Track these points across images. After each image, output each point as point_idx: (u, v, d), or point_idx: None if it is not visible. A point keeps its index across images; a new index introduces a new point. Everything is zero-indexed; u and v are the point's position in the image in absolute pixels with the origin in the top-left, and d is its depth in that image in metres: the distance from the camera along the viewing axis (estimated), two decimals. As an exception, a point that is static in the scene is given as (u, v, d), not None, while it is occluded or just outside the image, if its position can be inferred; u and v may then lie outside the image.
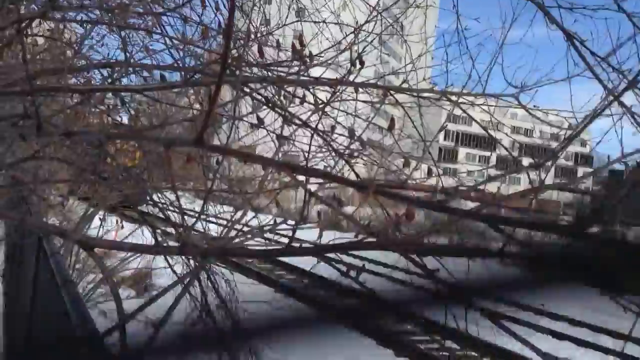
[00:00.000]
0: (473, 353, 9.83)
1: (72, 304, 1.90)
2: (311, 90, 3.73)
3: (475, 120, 3.34)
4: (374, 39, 3.73)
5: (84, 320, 1.71)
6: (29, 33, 3.54)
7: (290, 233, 3.74)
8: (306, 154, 4.34)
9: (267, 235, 4.99)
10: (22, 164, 3.41)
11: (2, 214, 2.11)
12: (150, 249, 1.33)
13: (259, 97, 3.80)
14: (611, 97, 1.83)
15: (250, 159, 1.57)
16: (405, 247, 1.02)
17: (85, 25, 4.18)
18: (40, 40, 4.35)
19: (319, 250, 1.04)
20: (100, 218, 7.90)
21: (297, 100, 3.73)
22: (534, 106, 3.68)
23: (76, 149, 3.22)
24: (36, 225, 1.68)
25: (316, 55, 3.40)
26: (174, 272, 3.68)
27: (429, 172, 3.50)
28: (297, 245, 1.14)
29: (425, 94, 3.09)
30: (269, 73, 3.75)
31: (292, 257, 0.97)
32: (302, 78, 2.74)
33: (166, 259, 3.96)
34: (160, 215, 3.67)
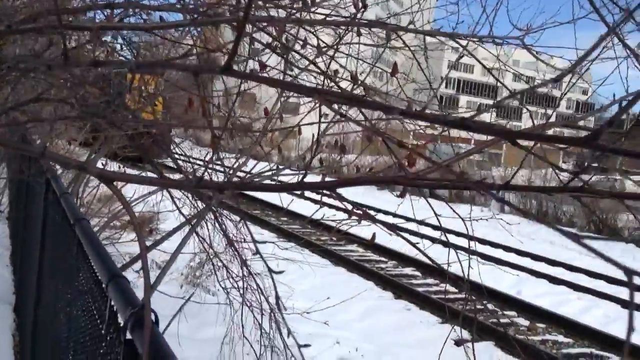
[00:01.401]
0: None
1: (87, 240, 1.96)
2: (314, 32, 3.71)
3: (481, 63, 3.33)
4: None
5: (103, 261, 1.77)
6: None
7: (292, 179, 3.79)
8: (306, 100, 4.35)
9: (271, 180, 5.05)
10: (26, 107, 3.43)
11: (21, 147, 2.14)
12: (170, 183, 1.36)
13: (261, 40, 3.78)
14: (613, 36, 1.83)
15: (279, 85, 1.59)
16: (409, 181, 1.06)
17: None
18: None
19: (332, 185, 1.07)
20: (102, 164, 7.95)
21: (299, 44, 3.71)
22: (537, 52, 3.66)
23: (79, 90, 3.23)
24: (55, 159, 1.71)
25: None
26: (182, 213, 3.76)
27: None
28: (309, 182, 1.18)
29: (433, 35, 3.06)
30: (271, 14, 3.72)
31: (306, 190, 1.00)
32: (312, 17, 2.73)
33: (174, 201, 4.03)
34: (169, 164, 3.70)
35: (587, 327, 8.83)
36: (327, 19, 2.88)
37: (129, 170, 8.22)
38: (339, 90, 2.37)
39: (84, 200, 8.63)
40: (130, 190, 7.55)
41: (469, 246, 2.63)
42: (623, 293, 11.04)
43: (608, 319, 9.65)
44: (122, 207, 8.14)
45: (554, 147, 1.90)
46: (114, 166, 8.46)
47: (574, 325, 8.97)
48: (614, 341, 8.35)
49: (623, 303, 10.41)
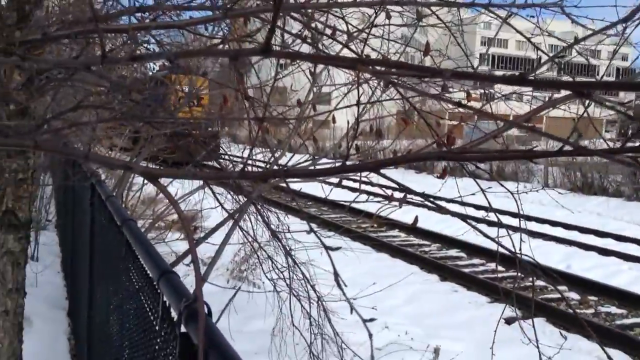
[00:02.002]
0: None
1: (135, 239, 2.00)
2: (343, 17, 3.68)
3: (520, 32, 3.24)
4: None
5: (153, 258, 1.80)
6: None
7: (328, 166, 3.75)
8: (339, 86, 4.32)
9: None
10: (66, 116, 3.51)
11: (66, 151, 2.19)
12: (213, 175, 1.38)
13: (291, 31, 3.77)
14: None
15: (319, 60, 1.58)
16: (454, 155, 1.04)
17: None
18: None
19: (375, 166, 1.06)
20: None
21: (329, 31, 3.69)
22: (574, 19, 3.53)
23: (117, 96, 3.29)
24: (100, 160, 1.75)
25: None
26: (224, 208, 3.81)
27: (468, 96, 3.45)
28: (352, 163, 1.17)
29: (467, 7, 2.99)
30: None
31: (349, 172, 0.99)
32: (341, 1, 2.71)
33: (216, 198, 4.08)
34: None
35: (641, 297, 8.61)
36: (356, 0, 2.86)
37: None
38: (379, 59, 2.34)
39: (128, 203, 8.82)
40: (172, 191, 7.67)
41: (519, 222, 2.57)
42: (678, 261, 10.71)
43: (662, 287, 9.40)
44: (165, 207, 8.29)
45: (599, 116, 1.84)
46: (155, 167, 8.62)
47: (627, 295, 8.76)
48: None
49: (678, 271, 10.12)
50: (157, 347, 1.52)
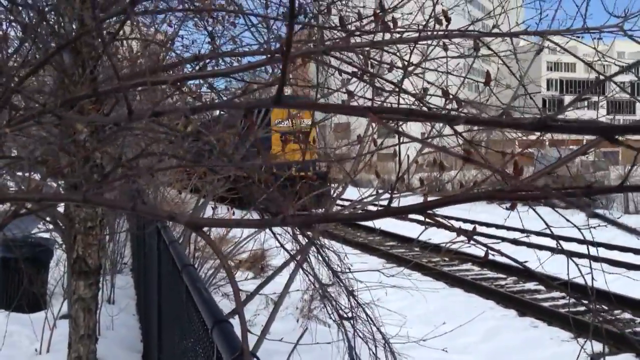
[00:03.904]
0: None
1: (192, 285, 2.01)
2: (398, 54, 3.66)
3: (577, 57, 3.11)
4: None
5: (208, 306, 1.79)
6: (124, 37, 3.74)
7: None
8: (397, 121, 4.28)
9: (370, 207, 4.99)
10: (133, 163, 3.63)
11: (111, 203, 2.25)
12: (254, 223, 1.36)
13: (347, 69, 3.78)
14: None
15: (328, 109, 1.56)
16: (506, 194, 0.97)
17: (172, 24, 4.35)
18: (134, 45, 4.58)
19: (423, 208, 1.01)
20: (212, 207, 8.29)
21: (385, 68, 3.67)
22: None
23: (182, 144, 3.38)
24: (146, 211, 1.78)
25: (398, 17, 3.31)
26: (285, 249, 3.79)
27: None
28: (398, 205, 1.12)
29: (520, 36, 2.90)
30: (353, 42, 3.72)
31: (393, 216, 0.94)
32: (384, 39, 2.68)
33: (276, 239, 4.08)
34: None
35: None
36: (405, 36, 2.83)
37: (237, 211, 8.50)
38: (394, 107, 2.29)
39: (198, 244, 9.01)
40: (238, 231, 7.77)
41: (588, 252, 2.42)
42: None
43: None
44: (233, 247, 8.40)
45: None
46: (223, 209, 8.79)
47: None
48: None
49: None
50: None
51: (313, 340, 6.15)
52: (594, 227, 2.20)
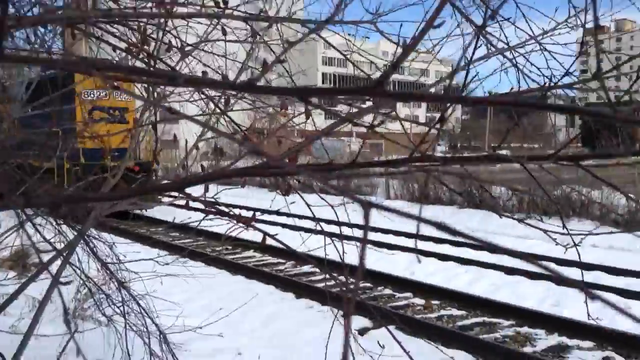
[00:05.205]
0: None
1: None
2: (176, 34, 3.53)
3: (334, 47, 3.31)
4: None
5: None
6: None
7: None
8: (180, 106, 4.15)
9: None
10: None
11: None
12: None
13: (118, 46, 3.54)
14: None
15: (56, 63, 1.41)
16: (270, 170, 0.96)
17: None
18: None
19: (180, 185, 0.94)
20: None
21: (164, 46, 3.52)
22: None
23: None
24: None
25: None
26: (50, 243, 3.43)
27: (307, 115, 3.46)
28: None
29: (287, 23, 2.99)
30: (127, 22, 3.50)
31: (151, 192, 0.87)
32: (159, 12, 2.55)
33: (39, 232, 3.68)
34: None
35: (477, 297, 9.29)
36: (184, 12, 2.73)
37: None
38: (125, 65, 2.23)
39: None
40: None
41: (341, 231, 2.62)
42: (505, 261, 11.75)
43: (495, 286, 10.22)
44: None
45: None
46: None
47: (465, 297, 9.40)
48: (503, 307, 8.85)
49: (506, 270, 11.09)
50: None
51: (85, 342, 5.70)
52: (355, 210, 2.35)
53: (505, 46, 2.61)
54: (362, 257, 0.60)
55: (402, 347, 2.26)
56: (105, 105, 13.83)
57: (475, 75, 2.31)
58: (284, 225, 15.27)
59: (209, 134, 4.51)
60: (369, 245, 2.87)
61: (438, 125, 1.53)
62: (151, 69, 2.31)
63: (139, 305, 3.44)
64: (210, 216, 3.38)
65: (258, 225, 2.64)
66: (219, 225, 4.09)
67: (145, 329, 3.47)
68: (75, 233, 3.53)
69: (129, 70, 0.92)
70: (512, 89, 2.67)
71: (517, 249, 9.91)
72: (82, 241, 3.16)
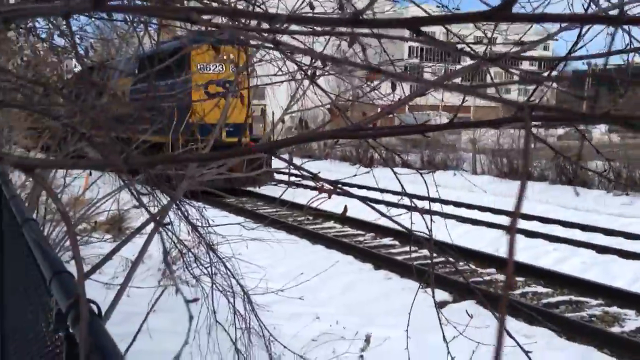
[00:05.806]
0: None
1: (34, 242, 1.87)
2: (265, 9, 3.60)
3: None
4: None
5: (47, 257, 1.68)
6: None
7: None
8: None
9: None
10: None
11: None
12: (93, 164, 1.28)
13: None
14: None
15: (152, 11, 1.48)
16: (346, 134, 1.00)
17: None
18: None
19: (270, 147, 1.00)
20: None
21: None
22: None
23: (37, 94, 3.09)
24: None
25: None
26: (145, 207, 3.63)
27: (393, 87, 3.45)
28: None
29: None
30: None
31: (235, 157, 0.92)
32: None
33: (135, 196, 3.91)
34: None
35: (565, 275, 8.99)
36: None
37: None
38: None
39: (50, 206, 8.43)
40: (95, 191, 7.39)
41: (429, 205, 2.60)
42: (597, 239, 11.25)
43: (585, 265, 9.84)
44: (88, 208, 7.95)
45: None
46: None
47: (552, 275, 9.12)
48: (591, 286, 8.52)
49: (598, 249, 10.63)
50: (47, 351, 1.42)
51: (175, 300, 6.05)
52: (432, 172, 2.35)
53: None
54: (511, 243, 0.60)
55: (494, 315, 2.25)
56: (221, 79, 14.13)
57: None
58: (365, 198, 15.29)
59: (295, 107, 4.59)
60: (451, 219, 2.84)
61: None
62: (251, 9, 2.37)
63: (225, 266, 3.62)
64: (293, 186, 3.47)
65: (339, 197, 2.67)
66: (301, 196, 4.20)
67: (230, 290, 3.65)
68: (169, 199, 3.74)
69: (232, 12, 0.97)
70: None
71: (611, 227, 9.54)
72: (174, 206, 3.34)
